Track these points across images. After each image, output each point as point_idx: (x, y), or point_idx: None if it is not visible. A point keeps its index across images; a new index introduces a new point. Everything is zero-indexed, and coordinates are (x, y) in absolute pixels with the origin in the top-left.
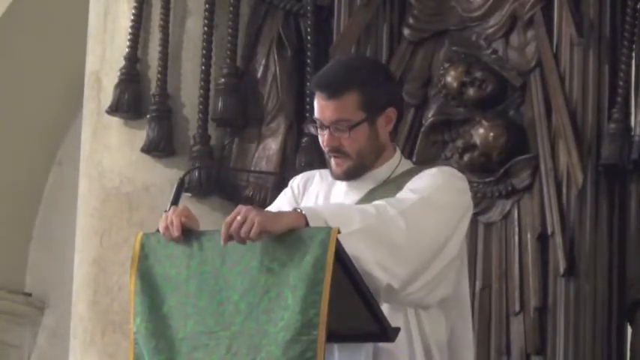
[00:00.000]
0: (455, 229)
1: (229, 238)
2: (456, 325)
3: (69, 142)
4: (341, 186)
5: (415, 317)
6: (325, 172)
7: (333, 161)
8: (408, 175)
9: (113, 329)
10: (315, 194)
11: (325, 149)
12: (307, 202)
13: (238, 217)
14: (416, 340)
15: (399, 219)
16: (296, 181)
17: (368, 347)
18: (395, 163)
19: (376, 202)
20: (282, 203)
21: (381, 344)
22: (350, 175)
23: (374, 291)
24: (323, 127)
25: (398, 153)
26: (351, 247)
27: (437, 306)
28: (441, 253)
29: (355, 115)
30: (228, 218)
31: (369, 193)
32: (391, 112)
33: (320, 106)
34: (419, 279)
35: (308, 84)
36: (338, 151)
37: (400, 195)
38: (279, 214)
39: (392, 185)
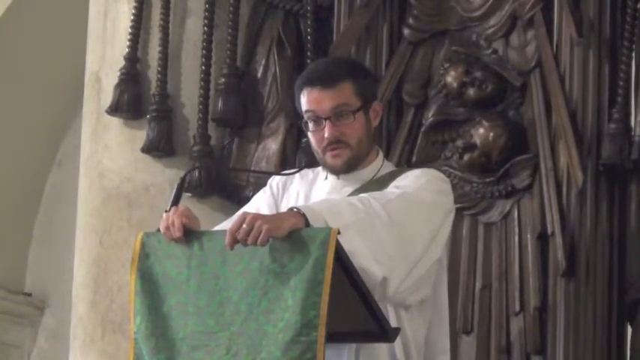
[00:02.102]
0: (438, 230)
1: (235, 243)
2: (433, 327)
3: (69, 142)
4: (322, 186)
5: (396, 316)
6: (305, 171)
7: (330, 154)
8: (391, 176)
9: (113, 329)
10: (296, 193)
11: (324, 143)
12: (288, 202)
13: (244, 225)
14: (396, 341)
15: (381, 211)
16: (275, 180)
17: (351, 345)
18: (378, 164)
19: (360, 195)
20: (260, 202)
21: (359, 345)
22: (350, 165)
23: (370, 288)
24: (320, 120)
25: (381, 155)
26: (347, 243)
27: (416, 306)
28: (426, 252)
29: (354, 102)
30: (233, 226)
31: (352, 194)
32: (377, 106)
33: (316, 99)
34: (408, 277)
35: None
36: (339, 142)
37: (384, 190)
38: (281, 217)
39: (374, 187)
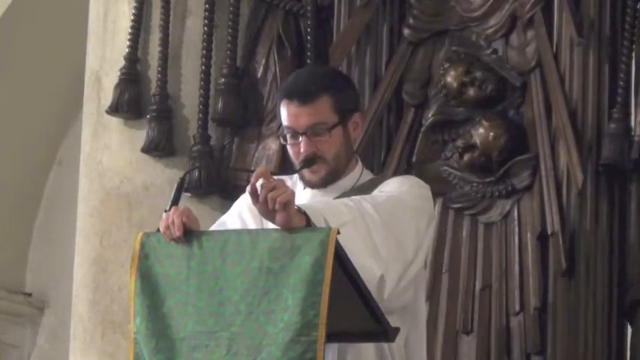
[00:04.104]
0: (424, 235)
1: (254, 195)
2: (411, 336)
3: (69, 142)
4: (303, 194)
5: None
6: (286, 178)
7: (307, 169)
8: (372, 184)
9: (113, 329)
10: None
11: (300, 157)
12: None
13: (272, 180)
14: (376, 346)
15: (372, 211)
16: (285, 182)
17: (334, 345)
18: (357, 173)
19: (352, 197)
20: (241, 208)
21: (345, 344)
22: (327, 181)
23: (369, 288)
24: (297, 135)
25: (360, 164)
26: (346, 240)
27: (399, 312)
28: (416, 255)
29: (330, 118)
30: (254, 177)
31: None
32: (358, 118)
33: (293, 114)
34: (402, 278)
35: None
36: (315, 157)
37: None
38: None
39: (355, 194)
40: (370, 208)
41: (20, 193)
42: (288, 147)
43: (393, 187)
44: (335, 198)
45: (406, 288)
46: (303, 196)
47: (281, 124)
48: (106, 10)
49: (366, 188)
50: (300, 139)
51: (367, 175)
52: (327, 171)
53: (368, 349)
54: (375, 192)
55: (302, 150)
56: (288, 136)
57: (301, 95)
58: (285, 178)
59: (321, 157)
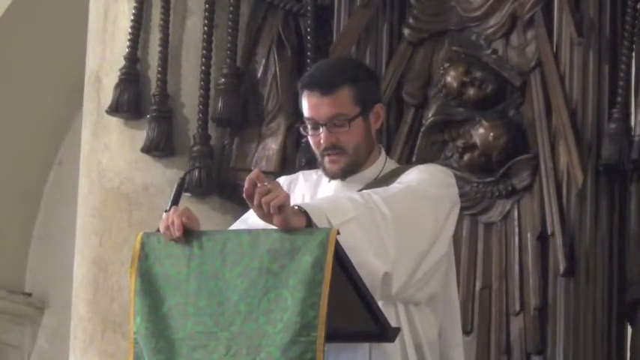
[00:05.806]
0: (444, 223)
1: (249, 197)
2: (445, 322)
3: (69, 142)
4: (328, 187)
5: (406, 313)
6: (308, 173)
7: (327, 159)
8: (395, 174)
9: (113, 329)
10: (301, 195)
11: (321, 148)
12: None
13: (266, 183)
14: (407, 337)
15: (382, 205)
16: (279, 182)
17: (364, 345)
18: (381, 163)
19: (363, 192)
20: None
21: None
22: (346, 172)
23: (371, 286)
24: (317, 126)
25: (383, 154)
26: (349, 237)
27: (426, 303)
28: (433, 246)
29: (351, 110)
30: (247, 182)
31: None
32: (379, 109)
33: (313, 105)
34: (416, 272)
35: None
36: (335, 148)
37: (388, 186)
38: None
39: (379, 186)
40: (380, 201)
41: (20, 193)
42: (310, 138)
43: (414, 176)
44: (359, 189)
45: (425, 279)
46: (328, 189)
47: (302, 115)
48: (106, 10)
49: (388, 178)
50: (321, 130)
51: (391, 165)
52: (347, 162)
53: (393, 347)
54: (395, 183)
55: (322, 141)
56: (309, 127)
57: (322, 86)
58: (305, 172)
59: (341, 148)
